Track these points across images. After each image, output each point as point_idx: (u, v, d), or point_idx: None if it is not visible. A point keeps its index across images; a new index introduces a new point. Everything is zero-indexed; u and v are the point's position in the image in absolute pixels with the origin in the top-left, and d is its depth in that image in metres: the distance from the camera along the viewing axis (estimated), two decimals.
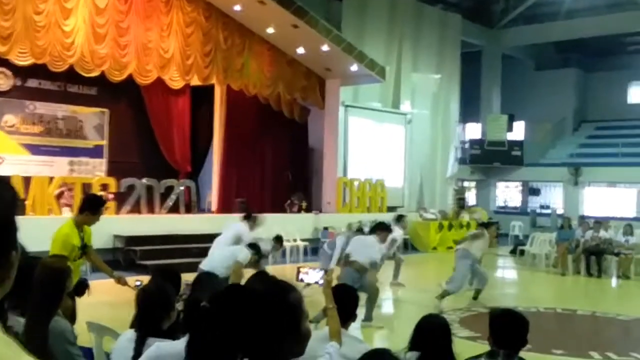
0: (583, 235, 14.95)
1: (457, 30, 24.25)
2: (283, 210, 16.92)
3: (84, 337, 4.27)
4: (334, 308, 3.60)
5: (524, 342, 3.40)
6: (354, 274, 8.44)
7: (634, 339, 9.14)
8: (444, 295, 10.06)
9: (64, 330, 3.54)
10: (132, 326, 3.60)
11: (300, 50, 16.40)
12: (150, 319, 3.22)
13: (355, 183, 18.77)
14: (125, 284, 5.99)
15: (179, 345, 2.86)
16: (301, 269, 3.70)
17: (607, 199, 26.05)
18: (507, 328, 3.41)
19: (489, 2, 26.96)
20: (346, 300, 3.83)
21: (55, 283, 3.49)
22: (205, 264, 7.86)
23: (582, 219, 16.40)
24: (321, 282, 3.66)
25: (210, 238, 9.67)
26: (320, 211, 17.37)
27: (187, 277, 6.92)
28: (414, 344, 3.38)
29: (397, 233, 11.24)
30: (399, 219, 12.34)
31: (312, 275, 3.64)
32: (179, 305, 3.61)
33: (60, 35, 12.71)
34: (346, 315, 3.78)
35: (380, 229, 9.52)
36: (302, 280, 3.69)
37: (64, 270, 3.56)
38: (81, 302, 5.61)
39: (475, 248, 10.68)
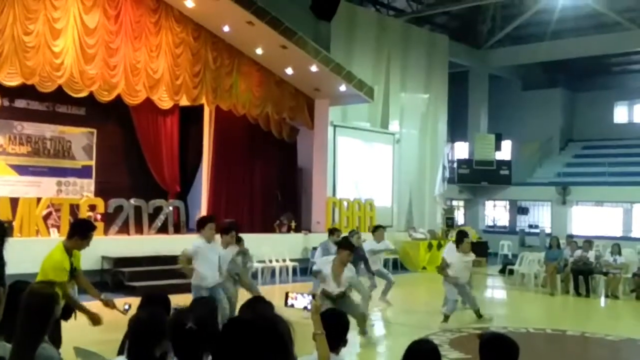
0: (571, 255, 14.99)
1: (445, 50, 24.46)
2: (272, 230, 16.89)
3: None
4: (323, 334, 3.58)
5: None
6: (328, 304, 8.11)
7: None
8: (445, 318, 10.35)
9: (52, 357, 3.50)
10: (120, 352, 3.57)
11: (289, 71, 16.48)
12: (142, 347, 3.19)
13: (345, 203, 18.78)
14: (113, 307, 5.94)
15: None
16: (289, 294, 3.68)
17: (594, 218, 26.21)
18: (497, 353, 3.40)
19: (476, 23, 27.23)
20: (335, 325, 3.82)
21: (43, 309, 3.46)
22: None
23: (570, 238, 16.45)
24: (309, 307, 3.64)
25: None
26: (310, 231, 17.35)
27: (177, 299, 6.90)
28: None
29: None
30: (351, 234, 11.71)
31: (300, 301, 3.62)
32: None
33: (50, 56, 12.70)
34: (336, 340, 3.77)
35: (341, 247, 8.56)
36: (291, 306, 3.66)
37: (52, 296, 3.53)
38: (67, 326, 5.56)
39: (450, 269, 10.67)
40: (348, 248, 8.29)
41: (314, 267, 8.70)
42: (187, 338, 2.93)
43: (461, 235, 11.17)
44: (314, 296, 3.68)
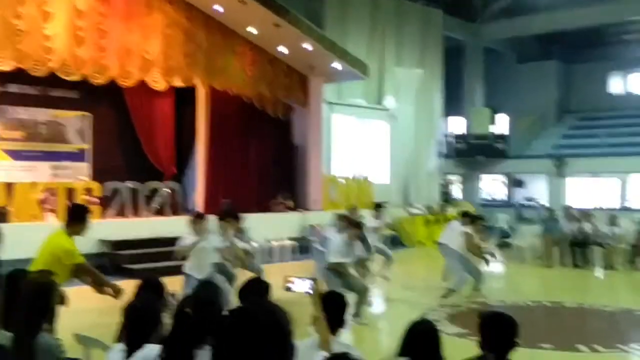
0: (569, 227, 15.04)
1: (439, 25, 24.32)
2: (269, 210, 16.89)
3: (71, 349, 4.24)
4: (324, 317, 3.60)
5: (513, 345, 3.41)
6: (334, 278, 8.40)
7: (620, 331, 9.22)
8: (447, 294, 10.39)
9: (52, 346, 3.52)
10: (118, 339, 3.58)
11: (283, 49, 16.37)
12: (138, 334, 3.21)
13: (341, 180, 18.78)
14: (105, 292, 5.90)
15: None
16: (288, 278, 3.67)
17: (590, 190, 26.27)
18: (496, 331, 3.42)
19: None
20: (335, 307, 3.83)
21: (41, 298, 3.47)
22: None
23: (567, 210, 16.52)
24: (310, 291, 3.64)
25: None
26: (307, 209, 17.37)
27: (175, 281, 6.94)
28: (403, 350, 3.38)
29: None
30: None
31: (299, 285, 3.62)
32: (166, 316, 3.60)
33: (41, 40, 12.56)
34: (335, 323, 3.79)
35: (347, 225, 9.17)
36: (290, 290, 3.67)
37: (51, 285, 3.54)
38: (63, 310, 5.56)
39: (454, 241, 10.74)
40: (358, 226, 9.02)
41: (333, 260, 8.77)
42: (184, 323, 2.94)
43: (473, 217, 11.41)
44: (314, 280, 3.68)
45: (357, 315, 8.60)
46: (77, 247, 5.73)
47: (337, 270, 8.50)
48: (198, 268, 8.37)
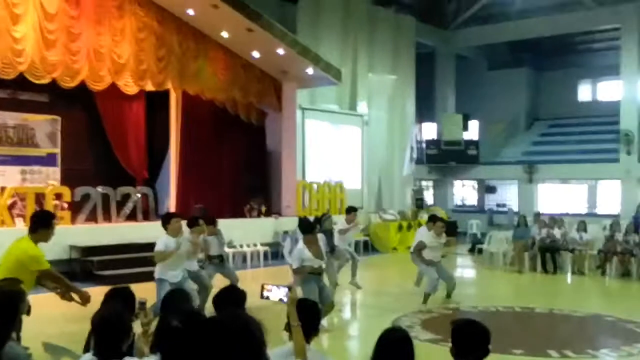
0: (539, 233, 15.21)
1: (411, 31, 24.48)
2: (242, 215, 16.82)
3: (39, 359, 4.17)
4: (299, 325, 3.58)
5: (486, 352, 3.42)
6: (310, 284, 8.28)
7: (589, 336, 9.33)
8: (426, 298, 10.49)
9: (20, 355, 3.45)
10: (86, 349, 3.52)
11: (256, 54, 16.34)
12: (109, 344, 3.16)
13: (314, 186, 18.77)
14: (70, 299, 5.80)
15: None
16: (265, 286, 3.66)
17: (560, 196, 26.63)
18: (469, 339, 3.43)
19: (442, 3, 27.28)
20: (309, 315, 3.82)
21: (9, 307, 3.40)
22: None
23: (537, 216, 16.69)
24: (285, 299, 3.63)
25: None
26: (280, 215, 17.32)
27: (147, 287, 6.87)
28: (376, 358, 3.37)
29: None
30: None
31: (275, 292, 3.60)
32: (136, 325, 3.55)
33: (10, 42, 12.38)
34: (309, 330, 3.78)
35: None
36: (267, 298, 3.65)
37: (18, 294, 3.47)
38: (31, 318, 5.45)
39: (426, 253, 10.83)
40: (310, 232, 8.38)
41: (295, 265, 8.54)
42: (174, 337, 2.89)
43: (434, 218, 11.35)
44: (290, 288, 3.67)
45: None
46: (43, 253, 5.63)
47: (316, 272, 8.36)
48: (172, 272, 8.10)
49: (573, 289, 13.89)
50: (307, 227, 8.50)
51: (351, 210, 12.43)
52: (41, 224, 5.72)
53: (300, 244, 8.27)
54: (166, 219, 8.30)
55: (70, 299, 5.77)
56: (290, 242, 10.78)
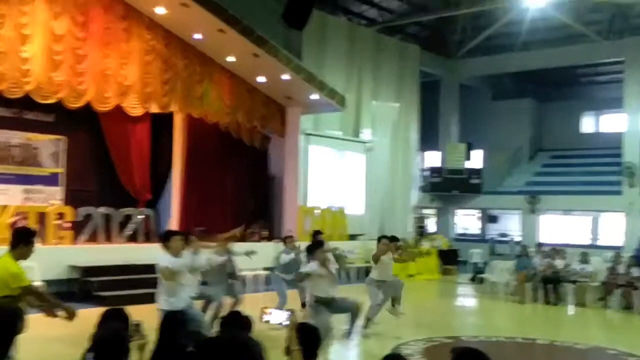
0: (541, 264, 15.14)
1: (416, 60, 24.64)
2: (243, 239, 16.75)
3: None
4: (299, 350, 3.55)
5: None
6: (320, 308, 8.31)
7: None
8: (366, 323, 10.28)
9: None
10: None
11: (261, 79, 16.43)
12: None
13: (316, 211, 18.74)
14: (55, 315, 5.71)
15: None
16: (265, 310, 3.64)
17: (563, 227, 26.54)
18: None
19: (447, 33, 27.49)
20: (309, 340, 3.79)
21: (6, 326, 3.38)
22: None
23: (539, 246, 16.61)
24: (286, 323, 3.60)
25: None
26: (281, 239, 17.23)
27: (146, 309, 6.81)
28: None
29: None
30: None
31: (276, 316, 3.59)
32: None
33: (18, 62, 12.46)
34: (309, 355, 3.74)
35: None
36: (267, 322, 3.63)
37: (16, 312, 3.45)
38: (28, 338, 5.40)
39: (373, 272, 10.85)
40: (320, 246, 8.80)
41: (304, 270, 8.58)
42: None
43: (390, 239, 11.23)
44: (292, 312, 3.64)
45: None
46: (23, 270, 5.57)
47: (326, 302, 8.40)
48: (176, 297, 7.40)
49: (575, 321, 13.77)
50: (313, 245, 8.76)
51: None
52: (21, 241, 5.68)
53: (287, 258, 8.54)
54: (167, 237, 7.72)
55: (55, 315, 5.70)
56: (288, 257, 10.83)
